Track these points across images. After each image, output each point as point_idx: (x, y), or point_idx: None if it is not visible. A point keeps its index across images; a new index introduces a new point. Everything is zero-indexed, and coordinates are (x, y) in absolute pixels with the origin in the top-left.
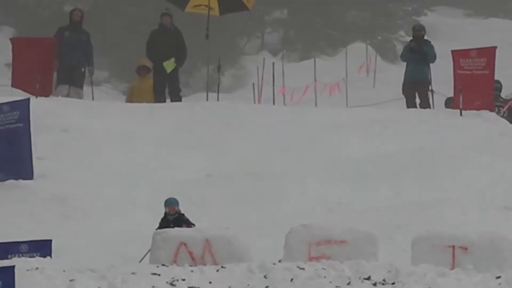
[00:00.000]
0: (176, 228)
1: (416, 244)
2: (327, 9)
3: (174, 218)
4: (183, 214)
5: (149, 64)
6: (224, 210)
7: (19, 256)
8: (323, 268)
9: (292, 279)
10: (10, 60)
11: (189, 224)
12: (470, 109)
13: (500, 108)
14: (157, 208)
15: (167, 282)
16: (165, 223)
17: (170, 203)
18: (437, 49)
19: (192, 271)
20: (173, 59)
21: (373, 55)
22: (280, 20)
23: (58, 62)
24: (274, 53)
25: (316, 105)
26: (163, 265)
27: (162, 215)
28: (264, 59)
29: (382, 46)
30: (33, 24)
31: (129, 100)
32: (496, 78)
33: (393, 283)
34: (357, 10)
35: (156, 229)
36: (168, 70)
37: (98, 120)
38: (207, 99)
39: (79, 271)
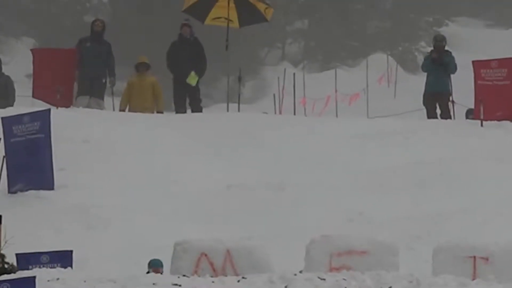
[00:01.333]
0: (197, 238)
1: (437, 255)
2: (348, 20)
3: None
4: None
5: (147, 60)
6: (245, 220)
7: (40, 267)
8: (344, 279)
9: None
10: (31, 71)
11: None
12: (491, 120)
13: None
14: (178, 218)
15: None
16: None
17: (155, 264)
18: (458, 60)
19: (213, 281)
20: (192, 73)
21: (394, 66)
22: (301, 30)
23: (79, 73)
24: (295, 64)
25: (337, 115)
26: (184, 275)
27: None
28: (285, 69)
29: (403, 56)
30: (54, 35)
31: (127, 95)
32: None
33: None
34: (378, 20)
35: None
36: (194, 83)
37: (118, 130)
38: (227, 110)
39: (100, 281)
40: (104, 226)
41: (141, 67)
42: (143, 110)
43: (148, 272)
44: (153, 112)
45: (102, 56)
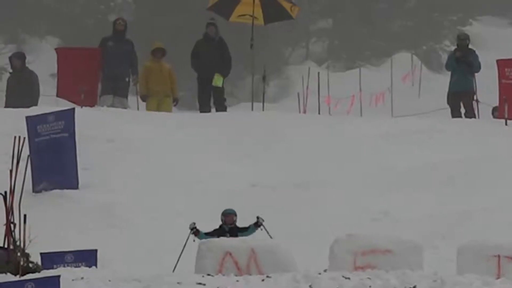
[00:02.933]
0: (221, 238)
1: (461, 254)
2: (372, 19)
3: (230, 228)
4: (238, 227)
5: (163, 45)
6: (269, 219)
7: (64, 266)
8: (369, 278)
9: None
10: (55, 70)
11: (244, 231)
12: None
13: None
14: (202, 217)
15: None
16: (220, 232)
17: (228, 212)
18: (482, 59)
19: (237, 280)
20: (217, 75)
21: (418, 65)
22: (325, 29)
23: (102, 72)
24: (319, 63)
25: (361, 114)
26: (208, 274)
27: (206, 224)
28: (309, 68)
29: (427, 55)
30: (78, 34)
31: (145, 79)
32: None
33: None
34: (402, 20)
35: (206, 233)
36: (220, 84)
37: (143, 130)
38: (252, 109)
39: (125, 280)
40: (128, 225)
41: (158, 53)
42: (162, 96)
43: (221, 223)
44: (170, 98)
45: (125, 55)
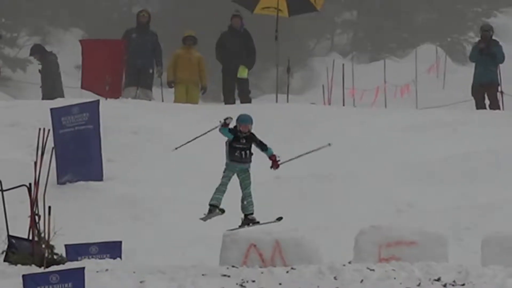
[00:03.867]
0: (246, 229)
1: (486, 246)
2: (396, 11)
3: (245, 136)
4: (254, 135)
5: (195, 34)
6: (293, 211)
7: (89, 258)
8: (393, 269)
9: (362, 280)
10: (80, 62)
11: (262, 144)
12: None
13: None
14: (227, 209)
15: (237, 284)
16: (236, 140)
17: (245, 121)
18: (506, 50)
19: (262, 272)
20: (241, 67)
21: (443, 57)
22: (350, 21)
23: (126, 64)
24: (344, 55)
25: (385, 106)
26: (233, 266)
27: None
28: (333, 60)
29: (451, 47)
30: (102, 26)
31: (173, 66)
32: None
33: (463, 284)
34: (426, 11)
35: (229, 130)
36: (245, 76)
37: (167, 121)
38: (276, 101)
39: (149, 272)
40: (153, 217)
41: (188, 41)
42: (189, 83)
43: (235, 128)
44: (198, 86)
45: (149, 46)
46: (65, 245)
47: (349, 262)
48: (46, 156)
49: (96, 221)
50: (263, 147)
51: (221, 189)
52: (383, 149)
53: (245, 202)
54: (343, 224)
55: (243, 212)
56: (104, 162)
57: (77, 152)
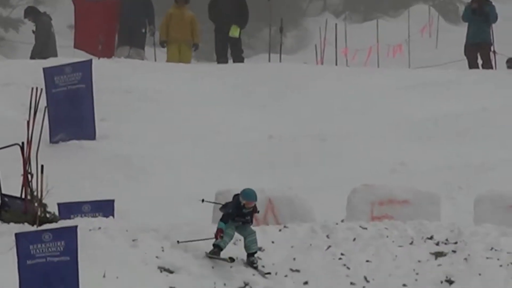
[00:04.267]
0: (238, 188)
1: (478, 204)
2: None
3: (249, 211)
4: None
5: None
6: (286, 171)
7: (81, 216)
8: (386, 228)
9: (354, 239)
10: (73, 22)
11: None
12: None
13: None
14: (220, 168)
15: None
16: (238, 213)
17: (249, 197)
18: (499, 10)
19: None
20: (234, 26)
21: (436, 17)
22: None
23: (119, 24)
24: (337, 15)
25: (378, 66)
26: None
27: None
28: (326, 20)
29: (444, 7)
30: None
31: (166, 25)
32: None
33: (455, 243)
34: None
35: (230, 213)
36: (237, 35)
37: (160, 81)
38: (269, 60)
39: (142, 231)
40: (146, 176)
41: (181, 0)
42: (182, 42)
43: (240, 203)
44: (190, 45)
45: (141, 6)
46: (58, 204)
47: (342, 221)
48: (39, 115)
49: (89, 180)
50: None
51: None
52: (375, 109)
53: (248, 240)
54: (336, 183)
55: (246, 251)
56: (97, 121)
57: (70, 111)
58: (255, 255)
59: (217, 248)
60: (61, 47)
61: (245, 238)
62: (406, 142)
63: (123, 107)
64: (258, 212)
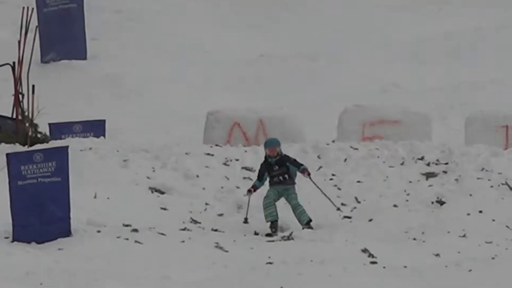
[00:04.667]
0: (229, 107)
1: (469, 124)
2: None
3: (276, 160)
4: (287, 156)
5: None
6: (277, 90)
7: (72, 136)
8: (377, 148)
9: (345, 159)
10: None
11: (295, 162)
12: None
13: None
14: (211, 88)
15: (220, 162)
16: (267, 167)
17: (270, 144)
18: None
19: (245, 151)
20: None
21: None
22: None
23: None
24: None
25: None
26: (216, 145)
27: (217, 97)
28: None
29: None
30: None
31: None
32: None
33: (446, 163)
34: None
35: (259, 179)
36: None
37: (152, 0)
38: None
39: (133, 151)
40: (137, 96)
41: None
42: None
43: (265, 155)
44: None
45: None
46: (49, 124)
47: (333, 141)
48: (30, 35)
49: (80, 100)
50: (296, 165)
51: (269, 209)
52: (367, 29)
53: (297, 212)
54: (327, 103)
55: (300, 223)
56: (88, 40)
57: (61, 31)
58: (311, 223)
59: (273, 224)
60: None
61: (293, 209)
62: (398, 62)
63: (114, 26)
64: (302, 165)
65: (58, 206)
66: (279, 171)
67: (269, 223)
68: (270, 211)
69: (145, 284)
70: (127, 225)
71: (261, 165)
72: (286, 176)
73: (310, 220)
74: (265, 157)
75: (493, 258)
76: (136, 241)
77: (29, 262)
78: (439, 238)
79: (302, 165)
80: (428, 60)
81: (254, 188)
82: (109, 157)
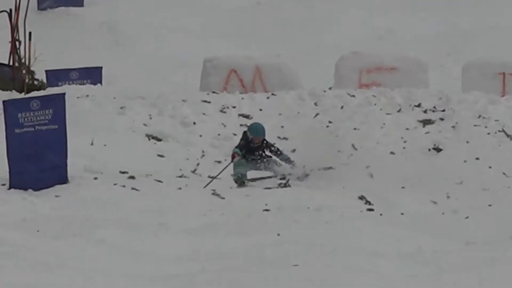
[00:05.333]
0: (226, 55)
1: (466, 71)
2: None
3: (258, 146)
4: (270, 145)
5: None
6: (274, 37)
7: (69, 83)
8: (374, 95)
9: (342, 107)
10: None
11: (279, 155)
12: None
13: None
14: (207, 35)
15: (217, 110)
16: (248, 149)
17: (257, 133)
18: None
19: (242, 98)
20: None
21: None
22: None
23: None
24: None
25: None
26: (213, 92)
27: (213, 44)
28: None
29: None
30: None
31: None
32: None
33: (443, 110)
34: None
35: (239, 148)
36: None
37: None
38: None
39: (130, 98)
40: (134, 43)
41: None
42: None
43: (248, 138)
44: None
45: None
46: (46, 71)
47: (330, 88)
48: None
49: (77, 47)
50: (277, 154)
51: (240, 168)
52: None
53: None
54: (324, 50)
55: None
56: None
57: None
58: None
59: (241, 181)
60: None
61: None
62: (394, 9)
63: None
64: (281, 152)
65: (55, 153)
66: (259, 157)
67: (236, 178)
68: (240, 169)
69: (142, 231)
70: (123, 172)
71: (242, 140)
72: (266, 163)
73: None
74: (249, 140)
75: (490, 205)
76: (132, 188)
77: (26, 209)
78: (436, 185)
79: (286, 155)
80: (425, 6)
81: (237, 154)
82: (106, 104)
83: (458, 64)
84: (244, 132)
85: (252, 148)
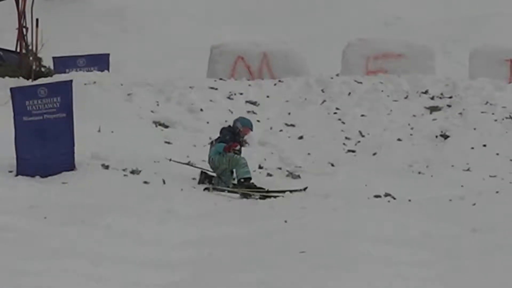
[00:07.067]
0: (234, 41)
1: (473, 58)
2: None
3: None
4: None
5: None
6: (281, 23)
7: (76, 70)
8: (381, 82)
9: (349, 93)
10: None
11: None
12: None
13: None
14: (214, 21)
15: (224, 96)
16: (235, 141)
17: (248, 124)
18: None
19: (249, 85)
20: None
21: None
22: None
23: None
24: None
25: None
26: (220, 79)
27: (219, 30)
28: None
29: None
30: None
31: None
32: None
33: (450, 97)
34: None
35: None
36: None
37: None
38: None
39: (137, 84)
40: (141, 29)
41: None
42: None
43: (237, 128)
44: None
45: None
46: (53, 58)
47: (337, 75)
48: None
49: (84, 33)
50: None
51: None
52: None
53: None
54: (331, 36)
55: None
56: None
57: None
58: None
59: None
60: None
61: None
62: None
63: None
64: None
65: (63, 140)
66: (239, 150)
67: (247, 179)
68: (246, 169)
69: (149, 217)
70: (131, 159)
71: (228, 135)
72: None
73: (250, 178)
74: (236, 132)
75: (497, 192)
76: (137, 174)
77: (33, 196)
78: (443, 172)
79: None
80: None
81: (235, 146)
82: (113, 91)
83: (465, 50)
84: (228, 127)
85: (239, 141)
